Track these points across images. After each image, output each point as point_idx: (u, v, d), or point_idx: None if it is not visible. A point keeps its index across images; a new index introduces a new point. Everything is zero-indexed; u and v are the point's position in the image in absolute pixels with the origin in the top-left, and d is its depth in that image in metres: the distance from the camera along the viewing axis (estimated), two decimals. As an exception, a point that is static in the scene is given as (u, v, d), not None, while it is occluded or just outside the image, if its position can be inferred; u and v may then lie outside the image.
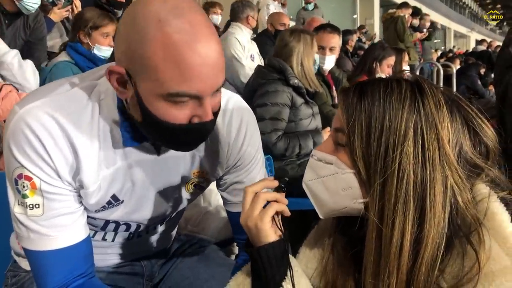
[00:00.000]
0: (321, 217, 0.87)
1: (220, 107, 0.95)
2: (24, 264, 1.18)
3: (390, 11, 7.35)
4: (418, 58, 7.19)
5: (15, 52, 2.60)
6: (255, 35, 4.39)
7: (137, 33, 0.82)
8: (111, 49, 2.77)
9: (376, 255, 0.77)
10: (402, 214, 0.74)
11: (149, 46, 0.81)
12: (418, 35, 7.76)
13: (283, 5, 8.20)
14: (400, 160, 0.74)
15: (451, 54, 11.64)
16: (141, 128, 0.93)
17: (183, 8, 0.82)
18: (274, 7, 7.57)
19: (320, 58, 2.86)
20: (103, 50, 2.77)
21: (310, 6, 6.68)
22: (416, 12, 8.13)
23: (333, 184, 0.82)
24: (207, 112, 0.87)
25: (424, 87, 0.78)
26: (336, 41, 3.05)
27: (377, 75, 3.24)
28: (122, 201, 1.05)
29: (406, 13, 7.26)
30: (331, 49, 3.04)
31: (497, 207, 0.74)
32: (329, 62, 3.09)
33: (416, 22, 7.91)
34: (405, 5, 7.58)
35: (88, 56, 2.73)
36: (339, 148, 0.82)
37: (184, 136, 0.90)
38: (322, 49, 2.97)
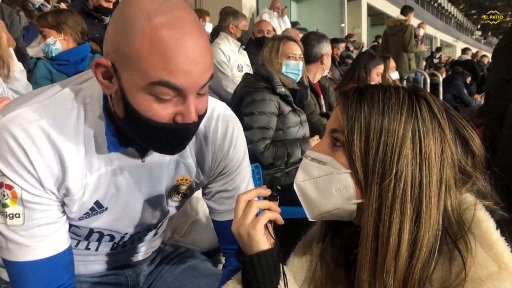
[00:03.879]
0: (310, 219, 0.87)
1: (206, 111, 0.93)
2: (5, 275, 1.15)
3: (400, 17, 6.97)
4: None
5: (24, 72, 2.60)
6: (243, 46, 4.31)
7: (126, 26, 0.82)
8: (47, 41, 2.73)
9: (373, 254, 0.78)
10: (399, 214, 0.76)
11: (135, 38, 0.80)
12: (423, 47, 7.53)
13: (282, 13, 8.21)
14: (398, 161, 0.76)
15: (437, 62, 11.75)
16: (123, 125, 0.90)
17: (173, 5, 0.82)
18: (268, 16, 7.57)
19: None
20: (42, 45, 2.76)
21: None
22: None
23: (326, 184, 0.82)
24: (190, 111, 0.85)
25: (420, 95, 0.81)
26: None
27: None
28: (106, 208, 1.03)
29: (411, 16, 6.92)
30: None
31: (483, 215, 0.76)
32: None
33: None
34: (409, 9, 7.08)
35: (50, 58, 2.75)
36: (335, 149, 0.82)
37: (166, 136, 0.88)
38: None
